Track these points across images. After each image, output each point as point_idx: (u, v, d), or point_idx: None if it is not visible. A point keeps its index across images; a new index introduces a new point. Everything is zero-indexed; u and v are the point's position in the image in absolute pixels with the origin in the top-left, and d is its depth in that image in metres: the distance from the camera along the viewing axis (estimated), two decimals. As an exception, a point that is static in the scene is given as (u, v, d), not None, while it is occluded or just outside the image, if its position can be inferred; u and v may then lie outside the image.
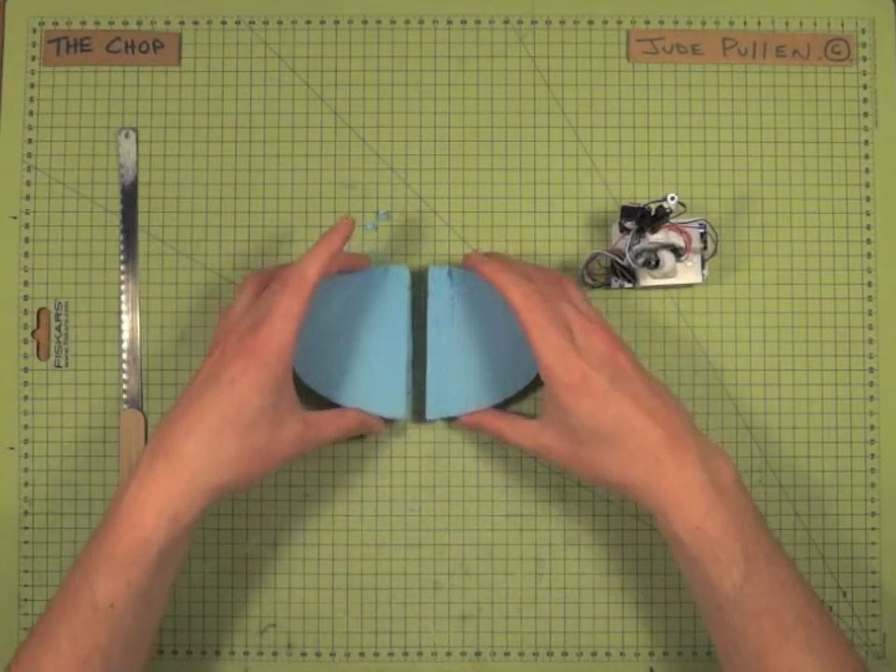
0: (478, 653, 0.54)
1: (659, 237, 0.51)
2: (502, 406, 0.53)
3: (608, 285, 0.54)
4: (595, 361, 0.45)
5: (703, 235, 0.52)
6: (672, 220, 0.50)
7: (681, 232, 0.51)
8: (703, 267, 0.53)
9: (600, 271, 0.55)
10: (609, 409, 0.44)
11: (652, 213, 0.49)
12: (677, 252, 0.51)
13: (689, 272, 0.53)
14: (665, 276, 0.52)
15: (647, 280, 0.53)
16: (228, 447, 0.43)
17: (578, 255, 0.55)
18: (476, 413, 0.52)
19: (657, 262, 0.51)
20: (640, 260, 0.51)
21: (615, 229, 0.52)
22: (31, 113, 0.55)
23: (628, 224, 0.50)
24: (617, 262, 0.52)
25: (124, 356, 0.55)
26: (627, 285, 0.53)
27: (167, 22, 0.56)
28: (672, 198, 0.47)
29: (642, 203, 0.50)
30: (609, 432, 0.44)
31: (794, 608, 0.43)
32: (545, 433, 0.47)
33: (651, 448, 0.44)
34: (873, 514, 0.54)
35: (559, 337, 0.45)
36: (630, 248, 0.51)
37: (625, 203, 0.51)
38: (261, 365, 0.43)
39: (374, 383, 0.51)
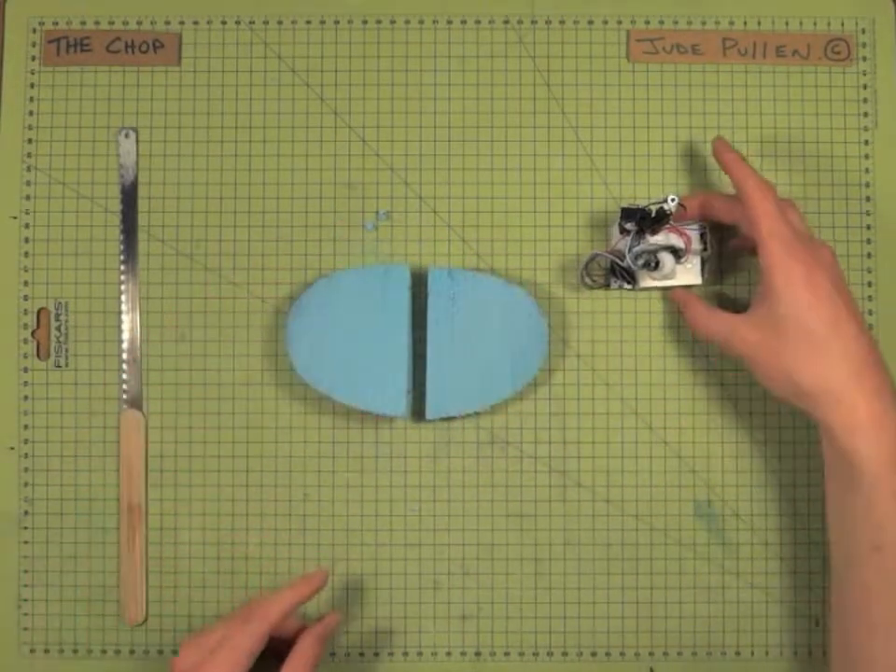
0: (478, 653, 0.54)
1: (659, 238, 0.51)
2: (502, 405, 0.53)
3: (607, 285, 0.54)
4: (819, 262, 0.45)
5: (703, 237, 0.52)
6: (672, 222, 0.50)
7: (681, 234, 0.51)
8: (703, 269, 0.53)
9: (599, 271, 0.55)
10: (826, 308, 0.44)
11: (652, 214, 0.49)
12: (676, 253, 0.51)
13: (688, 273, 0.53)
14: (665, 278, 0.52)
15: (646, 281, 0.53)
16: None
17: (577, 255, 0.55)
18: (680, 292, 0.52)
19: (657, 264, 0.51)
20: (640, 262, 0.51)
21: (615, 230, 0.53)
22: (31, 113, 0.55)
23: (628, 225, 0.50)
24: (616, 263, 0.52)
25: (124, 356, 0.55)
26: (627, 286, 0.53)
27: (167, 22, 0.56)
28: (672, 199, 0.47)
29: (642, 204, 0.50)
30: (820, 332, 0.44)
31: None
32: (745, 325, 0.47)
33: (855, 360, 0.44)
34: (873, 514, 0.54)
35: (788, 230, 0.46)
36: (630, 250, 0.51)
37: (625, 204, 0.51)
38: None
39: (374, 382, 0.51)
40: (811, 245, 0.47)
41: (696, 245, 0.52)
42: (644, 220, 0.50)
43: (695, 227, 0.52)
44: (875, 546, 0.43)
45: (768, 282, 0.46)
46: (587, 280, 0.54)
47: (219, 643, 0.46)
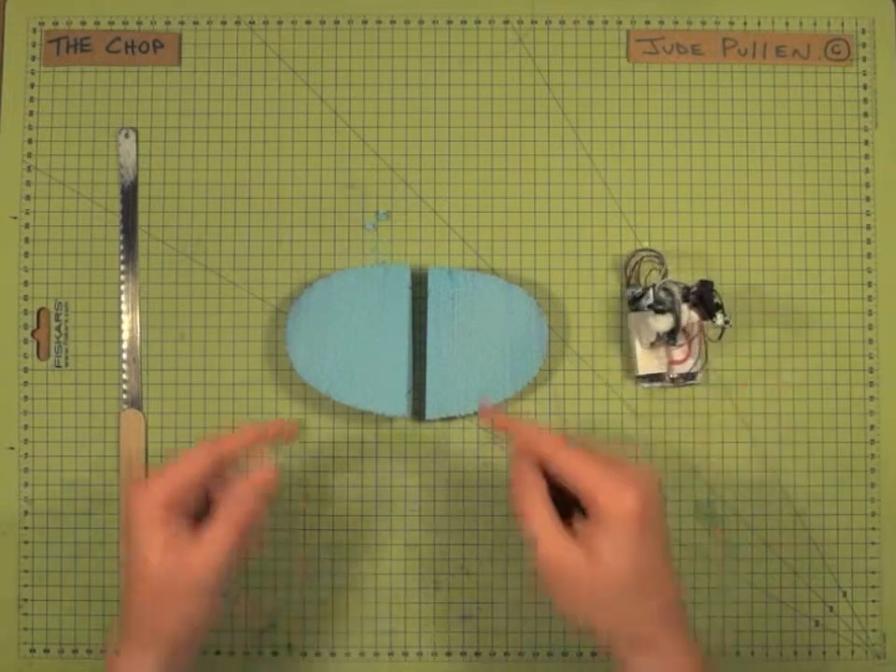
0: (478, 653, 0.54)
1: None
2: (502, 405, 0.53)
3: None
4: (649, 502, 0.41)
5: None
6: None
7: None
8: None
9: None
10: (651, 558, 0.41)
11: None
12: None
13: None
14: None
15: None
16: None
17: (577, 255, 0.55)
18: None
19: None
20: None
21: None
22: (31, 113, 0.55)
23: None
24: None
25: (124, 356, 0.55)
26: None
27: (167, 22, 0.56)
28: (726, 322, 0.49)
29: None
30: (644, 583, 0.41)
31: None
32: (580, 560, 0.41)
33: (667, 605, 0.42)
34: (873, 514, 0.54)
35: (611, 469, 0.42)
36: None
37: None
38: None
39: (375, 381, 0.51)
40: (631, 474, 0.42)
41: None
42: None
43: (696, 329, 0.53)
44: None
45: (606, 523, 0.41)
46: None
47: (169, 462, 0.44)
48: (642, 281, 0.54)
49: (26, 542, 0.54)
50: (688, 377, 0.54)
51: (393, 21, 0.56)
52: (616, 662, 0.43)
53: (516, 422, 0.46)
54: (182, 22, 0.56)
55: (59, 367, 0.55)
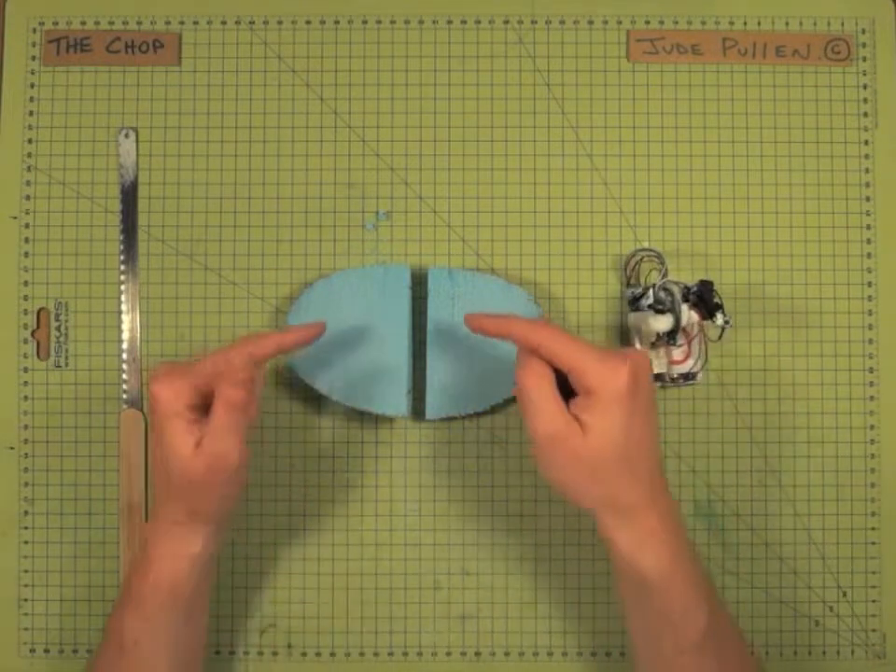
0: (478, 653, 0.54)
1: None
2: (502, 405, 0.53)
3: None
4: (639, 388, 0.43)
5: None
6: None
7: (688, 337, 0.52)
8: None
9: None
10: (638, 429, 0.43)
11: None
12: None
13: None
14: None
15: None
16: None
17: (577, 255, 0.55)
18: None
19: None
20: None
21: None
22: (31, 113, 0.55)
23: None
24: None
25: (124, 356, 0.55)
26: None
27: (167, 22, 0.56)
28: (727, 322, 0.50)
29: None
30: (630, 455, 0.43)
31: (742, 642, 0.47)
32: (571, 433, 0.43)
33: (650, 479, 0.44)
34: (873, 514, 0.54)
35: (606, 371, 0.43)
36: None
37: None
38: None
39: (375, 382, 0.51)
40: (620, 353, 0.43)
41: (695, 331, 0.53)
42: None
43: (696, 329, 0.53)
44: (679, 650, 0.44)
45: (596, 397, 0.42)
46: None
47: (199, 359, 0.45)
48: (642, 281, 0.54)
49: (26, 542, 0.54)
50: (688, 377, 0.54)
51: (393, 21, 0.56)
52: (599, 533, 0.45)
53: (504, 319, 0.46)
54: (182, 22, 0.56)
55: (59, 367, 0.55)
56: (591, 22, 0.56)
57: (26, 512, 0.54)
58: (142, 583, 0.46)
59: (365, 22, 0.56)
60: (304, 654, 0.54)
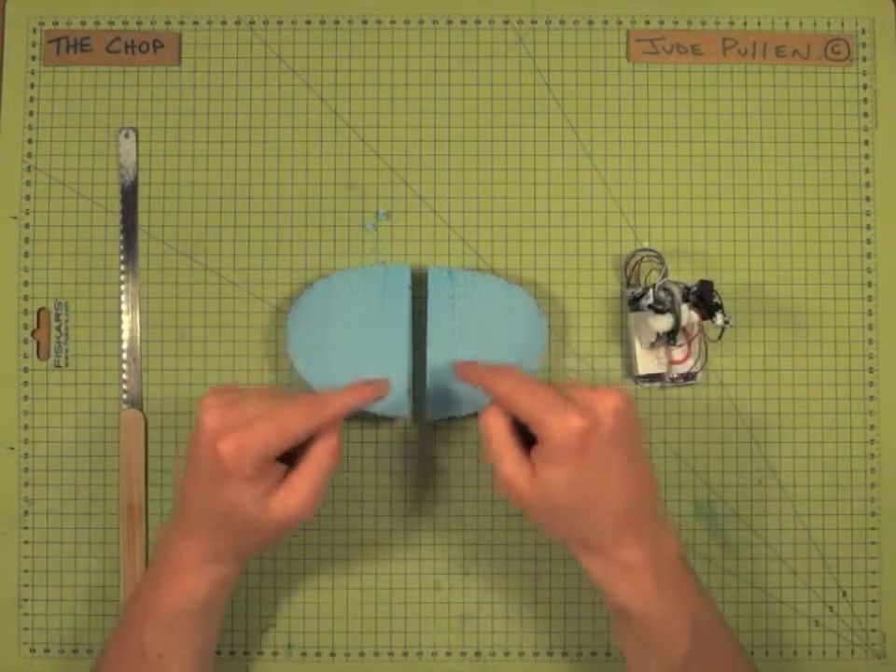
0: (478, 653, 0.54)
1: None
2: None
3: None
4: (595, 428, 0.42)
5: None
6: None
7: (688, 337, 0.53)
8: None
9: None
10: (596, 474, 0.43)
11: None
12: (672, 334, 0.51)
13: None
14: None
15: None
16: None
17: (577, 255, 0.55)
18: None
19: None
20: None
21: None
22: (31, 113, 0.55)
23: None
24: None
25: (124, 356, 0.55)
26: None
27: (167, 22, 0.56)
28: (727, 322, 0.50)
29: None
30: (587, 500, 0.43)
31: None
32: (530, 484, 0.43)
33: (618, 515, 0.43)
34: (873, 514, 0.54)
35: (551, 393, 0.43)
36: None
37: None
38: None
39: (374, 383, 0.51)
40: (580, 400, 0.42)
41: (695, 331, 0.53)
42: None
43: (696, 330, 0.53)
44: (664, 668, 0.44)
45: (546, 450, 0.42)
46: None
47: (263, 413, 0.42)
48: (642, 281, 0.54)
49: (26, 542, 0.54)
50: (688, 377, 0.54)
51: (393, 21, 0.56)
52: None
53: (472, 368, 0.46)
54: (182, 22, 0.56)
55: (59, 367, 0.55)
56: (591, 22, 0.56)
57: (26, 512, 0.54)
58: (169, 596, 0.45)
59: (365, 22, 0.56)
60: (304, 654, 0.54)
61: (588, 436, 0.41)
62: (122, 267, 0.55)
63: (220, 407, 0.43)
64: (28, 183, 0.55)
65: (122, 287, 0.55)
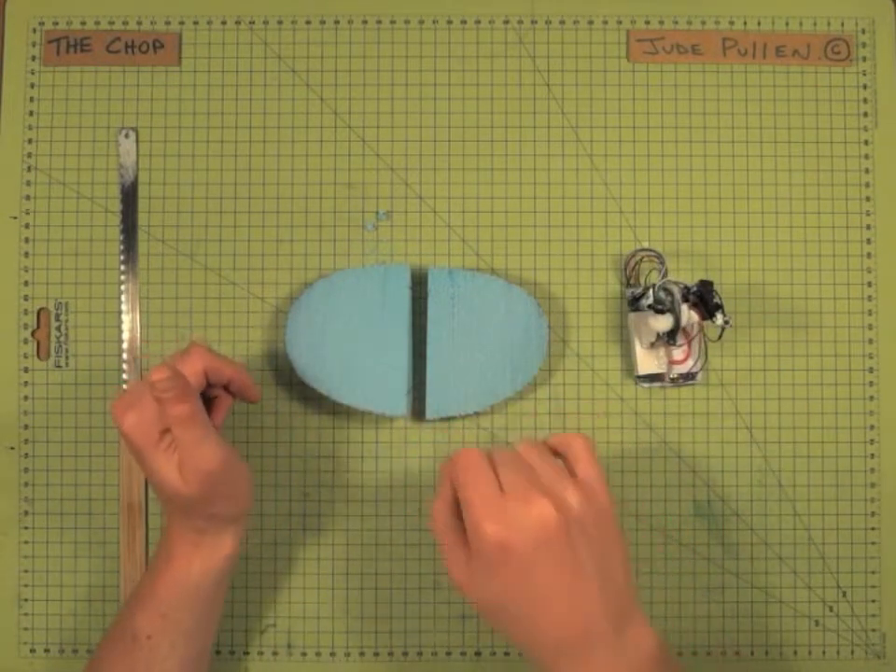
0: (478, 653, 0.54)
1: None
2: (502, 405, 0.53)
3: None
4: (533, 537, 0.40)
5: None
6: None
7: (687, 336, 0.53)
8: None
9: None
10: (538, 580, 0.40)
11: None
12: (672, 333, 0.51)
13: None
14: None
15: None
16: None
17: (577, 255, 0.55)
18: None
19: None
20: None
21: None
22: (31, 113, 0.55)
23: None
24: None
25: (124, 356, 0.55)
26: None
27: (167, 22, 0.56)
28: (727, 322, 0.50)
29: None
30: (503, 611, 0.41)
31: None
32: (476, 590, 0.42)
33: (578, 621, 0.40)
34: (873, 514, 0.54)
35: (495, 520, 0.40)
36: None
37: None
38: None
39: (375, 381, 0.51)
40: (514, 506, 0.40)
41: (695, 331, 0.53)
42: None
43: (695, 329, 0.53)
44: None
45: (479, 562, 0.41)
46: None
47: (147, 388, 0.44)
48: (642, 281, 0.54)
49: (26, 542, 0.54)
50: (688, 377, 0.54)
51: (393, 21, 0.56)
52: None
53: (442, 466, 0.45)
54: (182, 22, 0.56)
55: (59, 367, 0.55)
56: (591, 22, 0.56)
57: (26, 512, 0.54)
58: (161, 581, 0.46)
59: (365, 22, 0.56)
60: (304, 654, 0.54)
61: (509, 548, 0.39)
62: (122, 267, 0.55)
63: (123, 395, 0.46)
64: (28, 183, 0.55)
65: (122, 287, 0.55)
